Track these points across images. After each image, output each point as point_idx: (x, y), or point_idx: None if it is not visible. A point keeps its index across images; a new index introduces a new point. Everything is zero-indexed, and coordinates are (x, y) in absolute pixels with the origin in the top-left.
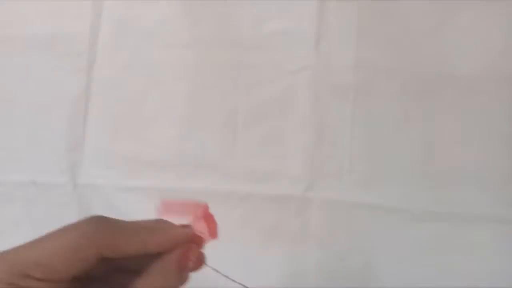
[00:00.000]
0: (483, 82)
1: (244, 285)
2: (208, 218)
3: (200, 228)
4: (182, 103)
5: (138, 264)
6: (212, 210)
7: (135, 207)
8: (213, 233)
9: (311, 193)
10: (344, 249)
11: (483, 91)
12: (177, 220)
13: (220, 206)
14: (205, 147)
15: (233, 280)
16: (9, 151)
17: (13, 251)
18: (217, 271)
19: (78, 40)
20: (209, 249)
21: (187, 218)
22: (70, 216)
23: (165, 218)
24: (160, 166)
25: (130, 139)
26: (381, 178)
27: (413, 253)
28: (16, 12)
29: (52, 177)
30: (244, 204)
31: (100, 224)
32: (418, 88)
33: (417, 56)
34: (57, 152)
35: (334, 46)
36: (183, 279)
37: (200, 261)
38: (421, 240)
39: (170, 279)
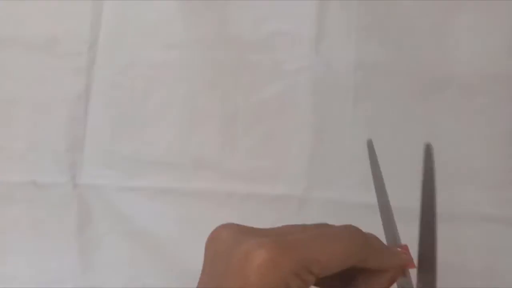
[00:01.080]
0: (483, 82)
1: None
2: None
3: None
4: (182, 103)
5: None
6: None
7: (135, 207)
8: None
9: (311, 193)
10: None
11: (483, 91)
12: None
13: (220, 206)
14: (205, 147)
15: None
16: (9, 151)
17: (298, 244)
18: None
19: (78, 40)
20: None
21: None
22: (70, 216)
23: None
24: (160, 166)
25: (130, 139)
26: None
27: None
28: (16, 12)
29: (52, 177)
30: (244, 204)
31: (366, 238)
32: (418, 88)
33: (417, 56)
34: (57, 152)
35: (334, 46)
36: None
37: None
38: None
39: None
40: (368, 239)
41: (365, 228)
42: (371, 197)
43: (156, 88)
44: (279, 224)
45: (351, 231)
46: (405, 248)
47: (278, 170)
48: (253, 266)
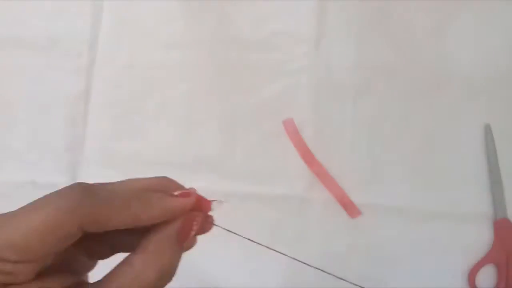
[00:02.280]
0: (483, 82)
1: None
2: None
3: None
4: (182, 103)
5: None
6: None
7: None
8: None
9: (311, 193)
10: (344, 249)
11: (483, 91)
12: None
13: (220, 206)
14: (205, 147)
15: (249, 239)
16: (9, 151)
17: None
18: (228, 230)
19: (78, 40)
20: (209, 249)
21: None
22: None
23: None
24: (160, 166)
25: (130, 139)
26: (381, 178)
27: (413, 253)
28: (16, 12)
29: (52, 177)
30: (244, 204)
31: (83, 196)
32: (418, 88)
33: (417, 56)
34: (57, 152)
35: (334, 46)
36: (186, 248)
37: (207, 226)
38: (421, 240)
39: (170, 254)
40: (95, 195)
41: (365, 228)
42: (371, 197)
43: (156, 88)
44: (280, 224)
45: (57, 193)
46: (186, 191)
47: (278, 170)
48: None
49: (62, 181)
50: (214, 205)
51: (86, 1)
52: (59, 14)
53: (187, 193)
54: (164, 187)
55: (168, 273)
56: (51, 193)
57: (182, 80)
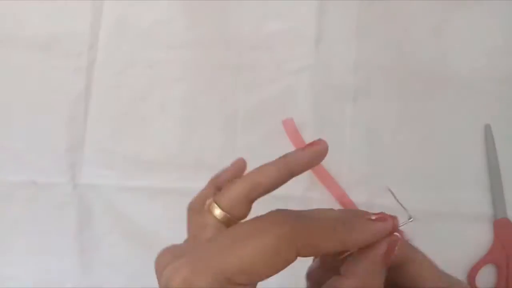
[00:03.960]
0: (483, 82)
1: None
2: None
3: None
4: (182, 103)
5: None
6: None
7: (135, 207)
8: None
9: (311, 193)
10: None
11: (483, 91)
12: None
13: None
14: (205, 147)
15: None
16: (9, 151)
17: (216, 259)
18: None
19: (78, 40)
20: None
21: None
22: (70, 216)
23: None
24: (160, 166)
25: (130, 139)
26: (381, 178)
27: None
28: (16, 12)
29: (52, 177)
30: None
31: (295, 223)
32: (418, 88)
33: (417, 56)
34: (57, 152)
35: (334, 46)
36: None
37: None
38: (421, 240)
39: (377, 276)
40: (305, 223)
41: None
42: (371, 197)
43: (156, 88)
44: None
45: (270, 222)
46: (381, 215)
47: None
48: None
49: (62, 181)
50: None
51: (86, 1)
52: (59, 14)
53: (383, 217)
54: (354, 216)
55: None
56: (262, 220)
57: (182, 80)
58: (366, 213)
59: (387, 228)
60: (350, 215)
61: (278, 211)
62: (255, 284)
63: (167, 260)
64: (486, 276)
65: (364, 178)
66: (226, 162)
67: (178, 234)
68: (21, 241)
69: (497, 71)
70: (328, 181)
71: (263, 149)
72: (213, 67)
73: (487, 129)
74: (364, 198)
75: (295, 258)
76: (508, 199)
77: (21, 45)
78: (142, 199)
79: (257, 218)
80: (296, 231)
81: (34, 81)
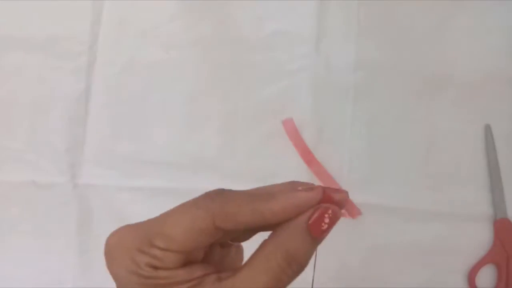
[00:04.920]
0: (483, 82)
1: None
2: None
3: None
4: (182, 103)
5: None
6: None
7: (135, 207)
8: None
9: None
10: (344, 249)
11: (483, 91)
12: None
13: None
14: (205, 147)
15: None
16: (9, 151)
17: (145, 223)
18: None
19: (78, 40)
20: None
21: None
22: (70, 216)
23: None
24: (160, 166)
25: (130, 139)
26: (381, 178)
27: (413, 253)
28: (16, 12)
29: (52, 177)
30: None
31: (215, 196)
32: (418, 88)
33: (417, 56)
34: (57, 152)
35: (334, 46)
36: (318, 242)
37: (335, 218)
38: (421, 240)
39: (298, 241)
40: (225, 195)
41: (365, 228)
42: (371, 197)
43: (156, 88)
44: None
45: (197, 197)
46: (309, 185)
47: (278, 170)
48: (105, 248)
49: (62, 181)
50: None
51: (86, 1)
52: (59, 14)
53: (311, 187)
54: (289, 189)
55: (297, 260)
56: (193, 198)
57: (182, 80)
58: (297, 183)
59: (312, 197)
60: (278, 187)
61: (214, 189)
62: (178, 252)
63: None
64: (486, 276)
65: (364, 178)
66: (226, 162)
67: None
68: (21, 241)
69: (497, 71)
70: (328, 181)
71: (263, 149)
72: (213, 67)
73: (487, 129)
74: (364, 198)
75: (214, 229)
76: (508, 199)
77: (21, 45)
78: (142, 199)
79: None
80: (212, 199)
81: (34, 81)
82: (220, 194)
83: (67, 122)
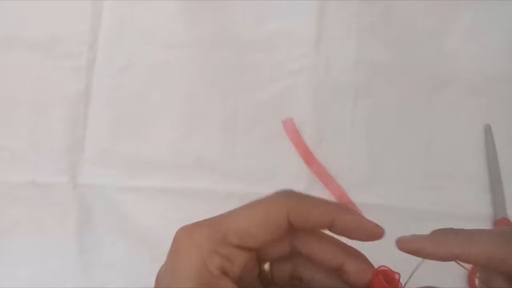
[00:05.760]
0: (483, 82)
1: None
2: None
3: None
4: (182, 103)
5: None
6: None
7: (135, 207)
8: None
9: (311, 193)
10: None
11: (483, 91)
12: None
13: (220, 206)
14: (205, 147)
15: None
16: (9, 151)
17: (216, 219)
18: None
19: (78, 40)
20: None
21: None
22: (70, 216)
23: None
24: (160, 166)
25: (130, 139)
26: (381, 178)
27: None
28: (16, 12)
29: (52, 177)
30: None
31: (290, 193)
32: (418, 88)
33: (417, 56)
34: (57, 152)
35: (334, 46)
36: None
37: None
38: None
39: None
40: (297, 194)
41: None
42: (371, 197)
43: (156, 88)
44: None
45: (269, 195)
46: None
47: (278, 170)
48: (173, 247)
49: (62, 181)
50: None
51: (86, 1)
52: (59, 14)
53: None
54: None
55: None
56: (264, 196)
57: (182, 80)
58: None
59: (375, 231)
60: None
61: (283, 189)
62: (251, 249)
63: (181, 229)
64: None
65: (364, 178)
66: (226, 162)
67: None
68: (21, 241)
69: (497, 71)
70: (328, 181)
71: (263, 149)
72: (213, 67)
73: (487, 129)
74: (364, 198)
75: (287, 225)
76: (508, 199)
77: (21, 45)
78: (142, 199)
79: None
80: (287, 195)
81: (34, 81)
82: (294, 192)
83: (67, 122)
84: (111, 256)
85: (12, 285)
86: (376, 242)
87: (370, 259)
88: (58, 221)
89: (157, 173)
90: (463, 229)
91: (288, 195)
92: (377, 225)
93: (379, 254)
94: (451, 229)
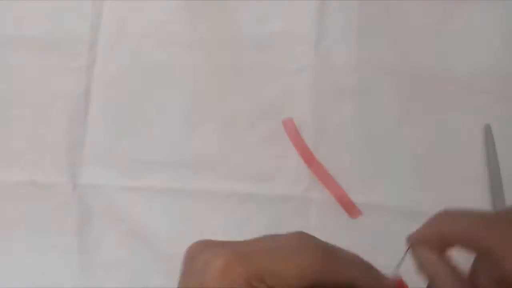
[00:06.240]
0: (483, 82)
1: None
2: None
3: None
4: (182, 103)
5: None
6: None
7: (135, 207)
8: None
9: (311, 193)
10: (344, 248)
11: (483, 91)
12: None
13: (220, 206)
14: (205, 147)
15: None
16: (9, 151)
17: (251, 253)
18: None
19: (78, 40)
20: None
21: None
22: (70, 216)
23: None
24: (160, 166)
25: (130, 139)
26: (381, 178)
27: None
28: (16, 12)
29: (52, 177)
30: (244, 204)
31: (325, 252)
32: (418, 88)
33: (417, 56)
34: (57, 152)
35: (334, 46)
36: None
37: None
38: None
39: None
40: (332, 253)
41: (365, 228)
42: (371, 197)
43: (156, 88)
44: (279, 224)
45: (304, 243)
46: (399, 281)
47: (278, 170)
48: (210, 271)
49: (62, 181)
50: None
51: (86, 1)
52: (59, 14)
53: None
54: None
55: None
56: (296, 237)
57: (182, 80)
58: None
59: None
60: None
61: (307, 235)
62: None
63: (203, 247)
64: None
65: (364, 178)
66: (226, 162)
67: (178, 234)
68: (21, 241)
69: (497, 71)
70: (328, 181)
71: (263, 149)
72: (213, 67)
73: (487, 129)
74: (364, 198)
75: (316, 280)
76: (508, 199)
77: (21, 45)
78: (142, 199)
79: (292, 236)
80: (324, 259)
81: (34, 81)
82: (328, 251)
83: (67, 122)
84: (111, 256)
85: (12, 285)
86: (375, 241)
87: (370, 260)
88: (58, 221)
89: (157, 173)
90: (457, 210)
91: (323, 255)
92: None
93: (379, 254)
94: (446, 210)
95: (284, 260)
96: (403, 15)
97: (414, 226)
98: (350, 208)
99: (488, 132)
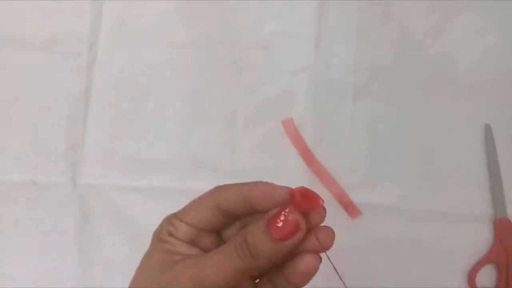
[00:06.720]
0: (483, 82)
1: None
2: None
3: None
4: (182, 103)
5: None
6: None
7: (135, 207)
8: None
9: None
10: (344, 249)
11: (483, 91)
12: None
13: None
14: (205, 147)
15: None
16: (9, 151)
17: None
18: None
19: (78, 40)
20: None
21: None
22: (70, 216)
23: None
24: (160, 166)
25: (130, 139)
26: (381, 178)
27: (413, 253)
28: (16, 12)
29: (52, 177)
30: None
31: (217, 186)
32: (418, 88)
33: (417, 56)
34: (57, 152)
35: (334, 46)
36: (279, 246)
37: (294, 227)
38: (421, 240)
39: (256, 235)
40: (224, 185)
41: (365, 228)
42: (371, 197)
43: (156, 88)
44: None
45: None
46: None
47: (278, 170)
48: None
49: (62, 181)
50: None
51: (86, 1)
52: (59, 14)
53: (289, 188)
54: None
55: (255, 253)
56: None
57: (182, 80)
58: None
59: (280, 191)
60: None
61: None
62: (193, 227)
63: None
64: (486, 276)
65: (364, 178)
66: (226, 162)
67: None
68: (21, 241)
69: (497, 71)
70: (328, 181)
71: (263, 149)
72: (213, 67)
73: (487, 129)
74: (364, 198)
75: (217, 209)
76: (508, 199)
77: (21, 45)
78: (142, 199)
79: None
80: (215, 189)
81: (34, 81)
82: (220, 185)
83: (67, 122)
84: (111, 256)
85: (13, 285)
86: (375, 241)
87: (370, 260)
88: (58, 221)
89: (157, 173)
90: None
91: (216, 188)
92: (286, 187)
93: (379, 254)
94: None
95: (192, 203)
96: (403, 15)
97: (414, 226)
98: (350, 208)
99: (488, 132)
